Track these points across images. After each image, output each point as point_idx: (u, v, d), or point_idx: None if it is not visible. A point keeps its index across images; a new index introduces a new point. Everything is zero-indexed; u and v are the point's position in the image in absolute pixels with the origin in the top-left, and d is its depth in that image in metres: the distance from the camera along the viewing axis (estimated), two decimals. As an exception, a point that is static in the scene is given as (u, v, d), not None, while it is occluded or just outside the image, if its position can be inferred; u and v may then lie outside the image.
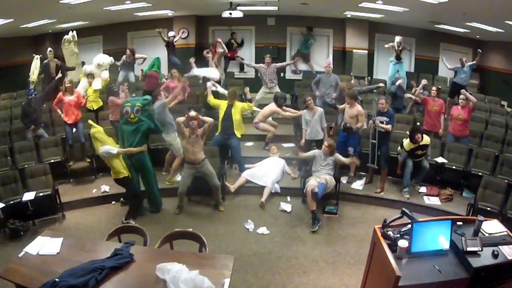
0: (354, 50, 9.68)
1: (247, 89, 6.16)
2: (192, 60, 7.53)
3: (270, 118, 6.96)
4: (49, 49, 7.76)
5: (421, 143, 5.49)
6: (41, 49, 9.01)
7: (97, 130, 4.91)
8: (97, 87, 7.00)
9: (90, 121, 5.17)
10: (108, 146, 4.79)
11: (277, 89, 7.86)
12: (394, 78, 7.89)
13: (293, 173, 6.31)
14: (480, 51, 7.81)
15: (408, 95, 7.26)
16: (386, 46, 8.64)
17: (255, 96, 8.07)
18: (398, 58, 8.48)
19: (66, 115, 6.22)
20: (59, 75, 6.80)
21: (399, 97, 7.24)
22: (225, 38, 9.84)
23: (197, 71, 7.15)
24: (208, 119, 5.28)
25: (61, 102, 6.23)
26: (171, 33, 8.82)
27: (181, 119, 5.24)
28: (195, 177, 5.53)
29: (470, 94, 6.45)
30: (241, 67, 10.19)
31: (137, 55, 8.19)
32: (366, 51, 9.72)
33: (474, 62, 7.84)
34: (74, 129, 6.32)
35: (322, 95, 7.24)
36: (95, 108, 7.08)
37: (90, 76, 7.12)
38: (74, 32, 7.42)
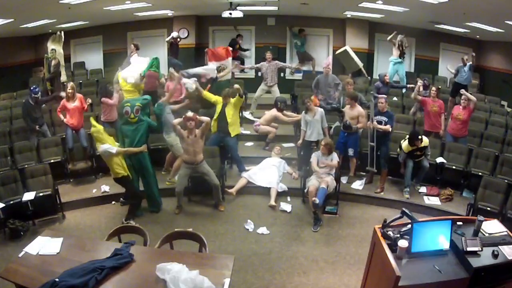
0: (337, 52, 9.53)
1: (236, 86, 6.17)
2: (171, 71, 7.25)
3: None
4: (52, 47, 7.70)
5: (419, 146, 5.50)
6: (41, 49, 9.00)
7: (96, 129, 4.90)
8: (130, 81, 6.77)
9: (91, 119, 5.08)
10: (107, 145, 4.79)
11: (276, 89, 7.84)
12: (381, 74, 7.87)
13: (294, 172, 6.31)
14: (474, 54, 7.96)
15: (409, 85, 7.37)
16: (388, 38, 8.59)
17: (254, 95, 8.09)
18: (402, 57, 8.47)
19: (70, 120, 6.12)
20: (62, 93, 6.47)
21: (382, 93, 7.24)
22: (227, 38, 9.85)
23: (190, 76, 6.77)
24: (205, 119, 5.28)
25: (65, 110, 6.13)
26: (174, 34, 8.79)
27: (176, 121, 5.23)
28: (194, 177, 5.53)
29: (470, 93, 6.46)
30: (250, 69, 10.14)
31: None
32: (345, 48, 9.51)
33: (471, 63, 7.86)
34: (74, 132, 6.24)
35: (324, 97, 7.21)
36: None
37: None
38: (62, 33, 7.50)
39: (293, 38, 9.72)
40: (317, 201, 4.99)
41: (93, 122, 4.99)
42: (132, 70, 6.86)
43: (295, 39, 9.64)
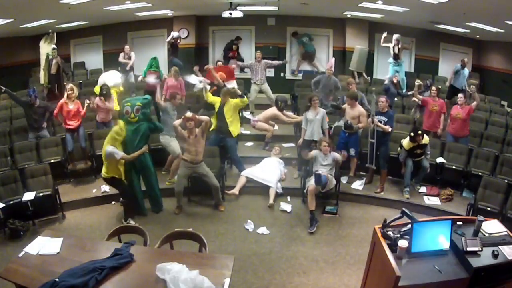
0: (356, 46, 9.52)
1: (234, 87, 6.19)
2: (196, 68, 7.35)
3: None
4: (53, 46, 7.71)
5: (421, 142, 5.50)
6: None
7: (117, 130, 4.88)
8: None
9: (120, 121, 5.07)
10: (115, 149, 4.76)
11: (267, 87, 7.92)
12: (390, 76, 7.89)
13: (285, 175, 6.27)
14: (466, 59, 8.09)
15: (410, 92, 7.32)
16: (383, 44, 8.65)
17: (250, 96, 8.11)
18: (396, 59, 8.48)
19: (66, 123, 6.08)
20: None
21: (392, 94, 7.25)
22: (226, 38, 9.85)
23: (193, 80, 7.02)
24: (204, 118, 5.27)
25: (61, 111, 6.08)
26: (175, 34, 8.78)
27: (177, 122, 5.23)
28: (194, 177, 5.53)
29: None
30: (241, 67, 10.18)
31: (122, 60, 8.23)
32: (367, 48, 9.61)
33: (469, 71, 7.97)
34: (75, 134, 6.20)
35: (321, 97, 7.20)
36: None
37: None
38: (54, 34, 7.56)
39: (300, 38, 9.79)
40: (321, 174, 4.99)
41: (121, 123, 5.01)
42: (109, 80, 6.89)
43: (303, 37, 9.75)
